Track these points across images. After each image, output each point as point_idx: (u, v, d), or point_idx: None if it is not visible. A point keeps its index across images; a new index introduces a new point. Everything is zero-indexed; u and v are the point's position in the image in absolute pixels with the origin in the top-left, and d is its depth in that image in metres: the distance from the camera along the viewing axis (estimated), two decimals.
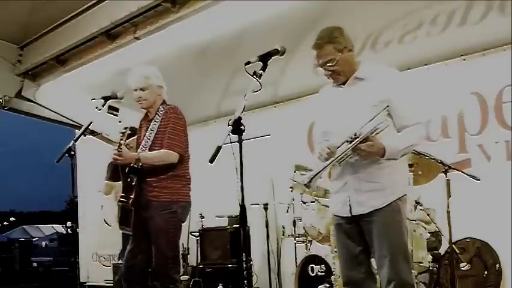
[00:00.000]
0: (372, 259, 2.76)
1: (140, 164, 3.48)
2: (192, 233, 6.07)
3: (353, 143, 2.50)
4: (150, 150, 3.52)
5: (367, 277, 2.72)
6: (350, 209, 2.67)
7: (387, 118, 2.55)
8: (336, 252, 4.40)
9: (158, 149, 3.49)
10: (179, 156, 3.49)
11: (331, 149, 2.56)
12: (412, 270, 3.12)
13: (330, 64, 2.64)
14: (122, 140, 3.42)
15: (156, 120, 3.55)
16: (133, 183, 3.50)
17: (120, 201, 3.61)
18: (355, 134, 2.50)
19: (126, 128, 3.46)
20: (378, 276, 2.75)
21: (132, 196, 3.50)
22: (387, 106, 2.53)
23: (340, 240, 2.79)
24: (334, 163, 2.56)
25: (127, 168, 3.53)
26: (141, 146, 3.58)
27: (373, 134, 2.51)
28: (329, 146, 2.58)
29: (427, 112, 4.96)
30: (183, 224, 3.59)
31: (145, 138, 3.57)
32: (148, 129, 3.56)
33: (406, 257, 2.63)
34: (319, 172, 2.54)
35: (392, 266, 2.56)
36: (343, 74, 2.68)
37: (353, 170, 2.65)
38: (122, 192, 3.59)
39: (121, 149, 3.38)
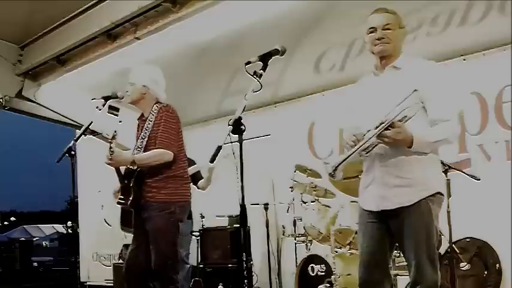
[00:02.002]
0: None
1: (137, 166, 3.48)
2: (193, 233, 6.07)
3: (378, 128, 2.41)
4: (145, 149, 3.52)
5: (384, 278, 2.63)
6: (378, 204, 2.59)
7: (416, 105, 2.44)
8: (336, 252, 4.42)
9: (153, 149, 3.50)
10: (173, 155, 3.48)
11: (357, 136, 2.50)
12: None
13: (387, 28, 2.57)
14: (111, 143, 3.37)
15: (150, 119, 3.55)
16: (131, 185, 3.50)
17: (119, 203, 3.62)
18: (382, 120, 2.42)
19: (115, 131, 3.43)
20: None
21: (130, 198, 3.50)
22: (414, 91, 2.43)
23: (363, 240, 2.69)
24: (359, 151, 2.48)
25: (124, 171, 3.55)
26: (136, 146, 3.59)
27: (400, 121, 2.42)
28: (355, 133, 2.52)
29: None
30: (182, 224, 3.60)
31: (140, 138, 3.58)
32: (143, 128, 3.58)
33: (433, 259, 2.50)
34: (344, 160, 2.45)
35: (418, 269, 2.47)
36: (391, 47, 2.59)
37: (382, 163, 2.56)
38: (121, 194, 3.59)
39: (112, 151, 3.38)
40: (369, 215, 2.65)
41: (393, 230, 2.57)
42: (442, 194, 2.57)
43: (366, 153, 2.53)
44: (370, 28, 2.62)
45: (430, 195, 2.51)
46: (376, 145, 2.50)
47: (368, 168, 2.66)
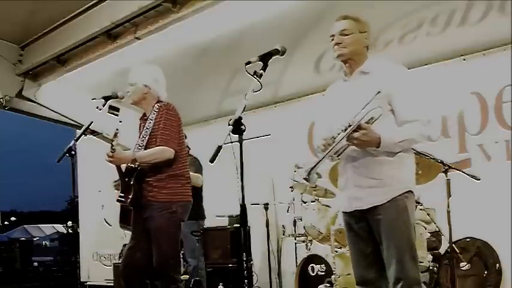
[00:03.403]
0: None
1: (137, 164, 3.49)
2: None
3: (347, 131, 2.47)
4: (146, 148, 3.53)
5: (380, 276, 2.64)
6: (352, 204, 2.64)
7: (383, 107, 2.50)
8: (336, 252, 4.42)
9: (154, 147, 3.50)
10: (174, 152, 3.48)
11: (327, 140, 2.54)
12: None
13: (344, 34, 2.64)
14: (113, 140, 3.39)
15: (151, 118, 3.57)
16: (131, 183, 3.51)
17: (118, 200, 3.62)
18: (349, 123, 2.47)
19: (117, 129, 3.44)
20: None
21: (130, 196, 3.50)
22: (378, 93, 2.48)
23: (350, 240, 2.74)
24: (330, 154, 2.53)
25: (124, 169, 3.55)
26: (137, 145, 3.60)
27: (367, 123, 2.47)
28: (325, 137, 2.56)
29: (428, 112, 4.98)
30: (183, 224, 3.60)
31: (141, 136, 3.59)
32: (144, 127, 3.59)
33: (413, 255, 2.56)
34: (316, 164, 2.49)
35: (399, 265, 2.51)
36: (347, 51, 2.65)
37: (353, 165, 2.62)
38: (121, 192, 3.60)
39: (114, 149, 3.38)
40: (350, 217, 2.70)
41: (374, 229, 2.61)
42: (413, 192, 2.62)
43: (337, 156, 2.59)
44: (330, 36, 2.70)
45: (402, 194, 2.57)
46: (346, 148, 2.56)
47: (342, 171, 2.72)
